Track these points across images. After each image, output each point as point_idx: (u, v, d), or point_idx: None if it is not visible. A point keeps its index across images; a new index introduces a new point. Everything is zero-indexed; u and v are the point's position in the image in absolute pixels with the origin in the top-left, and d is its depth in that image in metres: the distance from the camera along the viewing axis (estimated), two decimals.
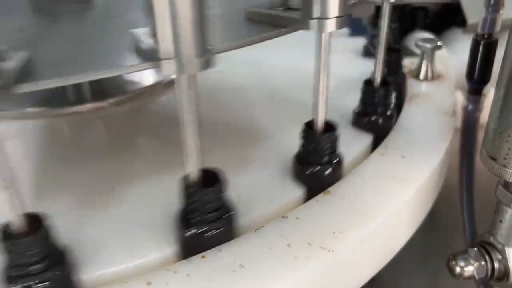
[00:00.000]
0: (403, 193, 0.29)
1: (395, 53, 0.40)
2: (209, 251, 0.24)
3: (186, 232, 0.24)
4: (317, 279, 0.25)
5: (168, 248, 0.24)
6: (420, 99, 0.41)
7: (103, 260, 0.24)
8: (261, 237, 0.26)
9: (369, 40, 0.48)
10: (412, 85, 0.43)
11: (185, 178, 0.23)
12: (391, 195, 0.29)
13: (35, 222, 0.21)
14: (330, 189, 0.29)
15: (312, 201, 0.28)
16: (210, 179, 0.23)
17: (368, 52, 0.49)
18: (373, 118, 0.35)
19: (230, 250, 0.25)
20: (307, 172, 0.28)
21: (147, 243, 0.24)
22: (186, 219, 0.24)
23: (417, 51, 0.46)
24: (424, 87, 0.43)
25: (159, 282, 0.23)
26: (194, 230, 0.24)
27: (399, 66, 0.41)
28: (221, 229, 0.24)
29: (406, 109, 0.39)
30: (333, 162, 0.29)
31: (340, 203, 0.28)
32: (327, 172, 0.29)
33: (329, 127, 0.28)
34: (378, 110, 0.35)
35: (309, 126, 0.28)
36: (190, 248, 0.24)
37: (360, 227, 0.26)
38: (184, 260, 0.24)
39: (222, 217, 0.24)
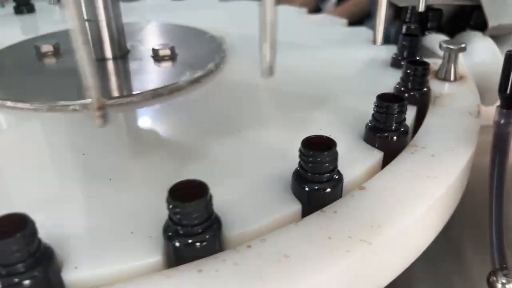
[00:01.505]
0: (435, 191, 0.30)
1: (422, 66, 0.40)
2: (253, 240, 0.26)
3: None
4: (357, 271, 0.26)
5: None
6: (444, 100, 0.42)
7: None
8: (302, 229, 0.27)
9: (400, 49, 0.49)
10: (435, 86, 0.44)
11: None
12: (424, 192, 0.30)
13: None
14: (364, 184, 0.30)
15: (348, 196, 0.29)
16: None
17: (396, 63, 0.49)
18: (385, 135, 0.34)
19: (274, 240, 0.26)
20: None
21: None
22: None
23: (439, 52, 0.47)
24: (448, 87, 0.44)
25: (209, 269, 0.24)
26: None
27: (425, 79, 0.41)
28: None
29: (432, 110, 0.40)
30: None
31: (376, 199, 0.29)
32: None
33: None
34: (391, 127, 0.34)
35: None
36: None
37: (397, 222, 0.27)
38: (232, 249, 0.25)
39: None
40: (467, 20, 0.63)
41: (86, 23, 0.48)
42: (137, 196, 0.30)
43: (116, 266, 0.24)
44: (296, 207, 0.28)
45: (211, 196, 0.24)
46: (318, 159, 0.28)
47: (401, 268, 0.30)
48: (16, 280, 0.22)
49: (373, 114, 0.34)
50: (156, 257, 0.25)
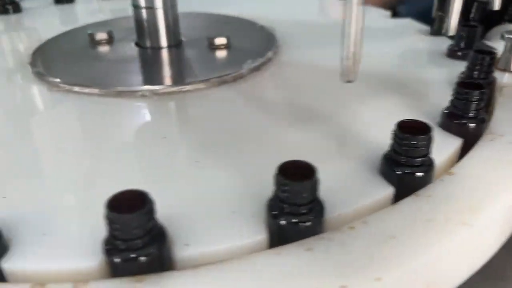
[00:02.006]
0: None
1: (489, 54, 0.40)
2: (355, 222, 0.26)
3: None
4: (459, 253, 0.26)
5: None
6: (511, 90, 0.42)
7: None
8: (401, 212, 0.27)
9: (457, 40, 0.49)
10: (498, 76, 0.44)
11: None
12: (511, 177, 0.30)
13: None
14: (452, 169, 0.30)
15: (438, 181, 0.29)
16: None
17: (453, 53, 0.49)
18: (463, 121, 0.34)
19: (376, 222, 0.26)
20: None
21: None
22: None
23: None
24: (508, 78, 0.44)
25: (318, 248, 0.24)
26: None
27: (492, 68, 0.41)
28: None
29: (500, 100, 0.40)
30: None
31: (467, 183, 0.29)
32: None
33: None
34: (470, 114, 0.34)
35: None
36: None
37: (492, 205, 0.28)
38: (335, 230, 0.25)
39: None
40: (502, 13, 0.63)
41: (144, 11, 0.49)
42: (228, 177, 0.30)
43: (223, 245, 0.24)
44: (388, 190, 0.28)
45: (318, 178, 0.24)
46: (414, 143, 0.28)
47: (494, 249, 0.30)
48: (133, 255, 0.22)
49: (452, 101, 0.34)
50: (260, 236, 0.25)
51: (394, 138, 0.29)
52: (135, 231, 0.22)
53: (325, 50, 0.51)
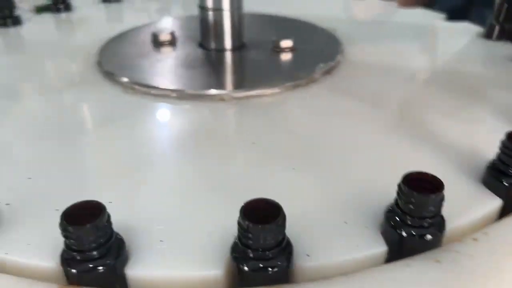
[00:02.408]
0: None
1: None
2: (477, 233, 0.25)
3: None
4: None
5: None
6: None
7: None
8: None
9: None
10: None
11: None
12: None
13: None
14: None
15: None
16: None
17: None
18: None
19: (498, 234, 0.26)
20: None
21: None
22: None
23: None
24: None
25: (447, 260, 0.24)
26: None
27: None
28: None
29: None
30: None
31: None
32: None
33: None
34: None
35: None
36: None
37: None
38: (457, 242, 0.25)
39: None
40: None
41: (211, 12, 0.48)
42: (331, 185, 0.29)
43: (341, 257, 0.24)
44: (496, 202, 0.28)
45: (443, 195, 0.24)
46: None
47: None
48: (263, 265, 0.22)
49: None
50: (380, 248, 0.25)
51: (502, 148, 0.28)
52: (268, 241, 0.22)
53: (388, 49, 0.51)
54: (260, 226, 0.21)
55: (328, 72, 0.45)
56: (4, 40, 0.59)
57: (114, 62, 0.48)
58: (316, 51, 0.50)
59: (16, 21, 0.62)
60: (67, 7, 0.69)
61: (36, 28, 0.62)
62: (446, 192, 0.25)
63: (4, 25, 0.61)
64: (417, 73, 0.47)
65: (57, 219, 0.21)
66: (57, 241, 0.22)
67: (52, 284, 0.23)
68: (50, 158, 0.33)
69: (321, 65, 0.45)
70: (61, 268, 0.23)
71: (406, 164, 0.25)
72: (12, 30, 0.61)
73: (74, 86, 0.45)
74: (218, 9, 0.48)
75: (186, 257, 0.24)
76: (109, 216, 0.23)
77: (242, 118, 0.39)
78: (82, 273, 0.22)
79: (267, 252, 0.22)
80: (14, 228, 0.26)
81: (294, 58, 0.49)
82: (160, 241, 0.25)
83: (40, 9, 0.68)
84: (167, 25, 0.59)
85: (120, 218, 0.24)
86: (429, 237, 0.24)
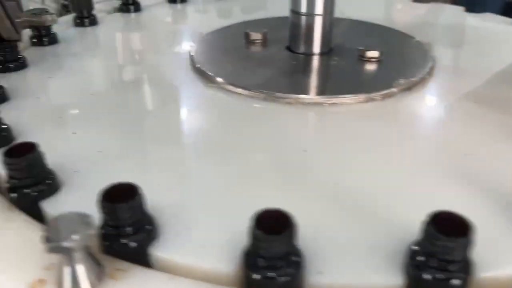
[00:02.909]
0: None
1: None
2: None
3: None
4: None
5: None
6: None
7: None
8: None
9: None
10: None
11: None
12: None
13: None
14: None
15: None
16: None
17: None
18: None
19: None
20: None
21: None
22: None
23: None
24: None
25: None
26: None
27: None
28: None
29: None
30: None
31: None
32: None
33: None
34: None
35: None
36: None
37: None
38: None
39: None
40: None
41: (303, 17, 0.49)
42: (371, 207, 0.29)
43: (355, 280, 0.24)
44: None
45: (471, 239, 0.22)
46: None
47: None
48: (273, 275, 0.23)
49: None
50: (396, 282, 0.24)
51: None
52: (276, 251, 0.23)
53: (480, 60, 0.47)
54: (267, 235, 0.22)
55: (408, 89, 0.43)
56: (86, 40, 0.61)
57: (206, 58, 0.51)
58: (403, 65, 0.48)
59: (93, 21, 0.64)
60: (137, 8, 0.70)
61: (114, 27, 0.65)
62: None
63: (82, 25, 0.63)
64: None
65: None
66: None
67: None
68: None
69: (401, 80, 0.43)
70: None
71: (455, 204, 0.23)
72: (89, 30, 0.63)
73: (171, 83, 0.48)
74: (310, 14, 0.49)
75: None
76: (142, 197, 0.25)
77: (305, 124, 0.39)
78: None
79: (278, 261, 0.22)
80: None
81: (378, 70, 0.48)
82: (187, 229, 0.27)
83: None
84: (260, 24, 0.60)
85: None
86: (454, 282, 0.23)
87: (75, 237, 0.21)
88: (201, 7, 0.75)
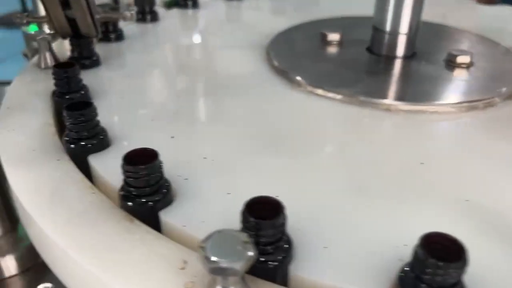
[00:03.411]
0: None
1: None
2: None
3: None
4: None
5: None
6: None
7: None
8: None
9: None
10: None
11: None
12: None
13: None
14: None
15: None
16: None
17: None
18: None
19: None
20: None
21: None
22: None
23: None
24: None
25: None
26: None
27: None
28: None
29: None
30: None
31: None
32: None
33: None
34: None
35: None
36: None
37: None
38: None
39: None
40: None
41: (389, 15, 0.47)
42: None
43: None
44: None
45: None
46: None
47: None
48: None
49: None
50: None
51: None
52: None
53: None
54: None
55: (510, 97, 0.41)
56: (151, 36, 0.59)
57: (283, 58, 0.49)
58: (495, 72, 0.46)
59: (154, 17, 0.62)
60: (195, 4, 0.68)
61: (176, 24, 0.64)
62: None
63: (143, 20, 0.61)
64: None
65: None
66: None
67: None
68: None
69: (504, 89, 0.41)
70: None
71: None
72: (150, 26, 0.61)
73: (253, 84, 0.46)
74: (397, 13, 0.46)
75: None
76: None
77: (410, 134, 0.37)
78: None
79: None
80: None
81: (470, 76, 0.45)
82: (324, 247, 0.25)
83: (169, 4, 0.68)
84: (327, 25, 0.58)
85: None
86: None
87: (240, 258, 0.20)
88: (260, 4, 0.73)
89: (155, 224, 0.27)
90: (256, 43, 0.54)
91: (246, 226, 0.23)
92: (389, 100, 0.40)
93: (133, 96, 0.42)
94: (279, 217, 0.23)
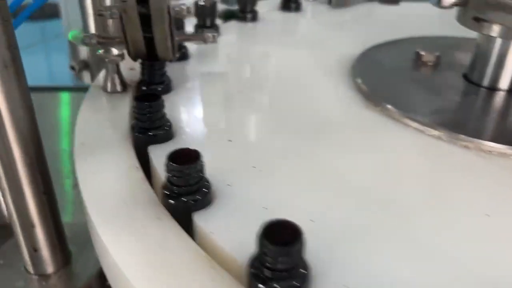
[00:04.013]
0: None
1: None
2: None
3: None
4: None
5: None
6: None
7: None
8: None
9: None
10: None
11: None
12: None
13: None
14: None
15: None
16: None
17: None
18: None
19: None
20: None
21: None
22: None
23: None
24: None
25: None
26: None
27: None
28: None
29: None
30: None
31: None
32: None
33: None
34: None
35: None
36: None
37: None
38: None
39: None
40: None
41: (496, 45, 0.42)
42: None
43: None
44: None
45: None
46: None
47: None
48: None
49: None
50: None
51: None
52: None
53: None
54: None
55: None
56: (213, 50, 0.54)
57: (369, 78, 0.45)
58: None
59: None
60: (254, 17, 0.63)
61: (237, 37, 0.60)
62: None
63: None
64: None
65: None
66: None
67: None
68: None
69: None
70: None
71: None
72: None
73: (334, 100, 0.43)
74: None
75: None
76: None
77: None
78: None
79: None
80: None
81: None
82: None
83: (226, 16, 0.65)
84: (432, 42, 0.53)
85: None
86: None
87: None
88: (319, 17, 0.69)
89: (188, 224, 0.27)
90: (329, 62, 0.50)
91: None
92: (480, 140, 0.35)
93: (213, 128, 0.38)
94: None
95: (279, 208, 0.28)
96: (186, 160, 0.27)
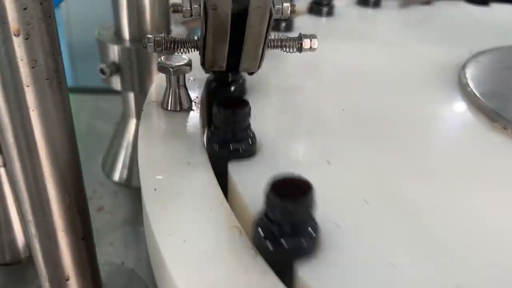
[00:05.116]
0: None
1: None
2: None
3: None
4: None
5: None
6: None
7: None
8: None
9: None
10: None
11: None
12: None
13: None
14: None
15: None
16: None
17: None
18: None
19: None
20: None
21: None
22: None
23: None
24: None
25: None
26: None
27: None
28: None
29: None
30: None
31: None
32: None
33: None
34: None
35: None
36: None
37: None
38: None
39: None
40: None
41: None
42: None
43: None
44: None
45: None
46: None
47: None
48: None
49: None
50: None
51: None
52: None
53: None
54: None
55: None
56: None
57: (485, 86, 0.37)
58: None
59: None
60: (330, 12, 0.56)
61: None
62: None
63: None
64: None
65: None
66: None
67: None
68: None
69: None
70: None
71: None
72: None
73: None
74: None
75: None
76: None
77: None
78: None
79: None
80: None
81: None
82: None
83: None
84: None
85: None
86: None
87: None
88: (399, 14, 0.61)
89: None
90: (429, 68, 0.42)
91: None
92: None
93: (304, 145, 0.32)
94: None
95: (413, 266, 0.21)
96: (294, 193, 0.20)
